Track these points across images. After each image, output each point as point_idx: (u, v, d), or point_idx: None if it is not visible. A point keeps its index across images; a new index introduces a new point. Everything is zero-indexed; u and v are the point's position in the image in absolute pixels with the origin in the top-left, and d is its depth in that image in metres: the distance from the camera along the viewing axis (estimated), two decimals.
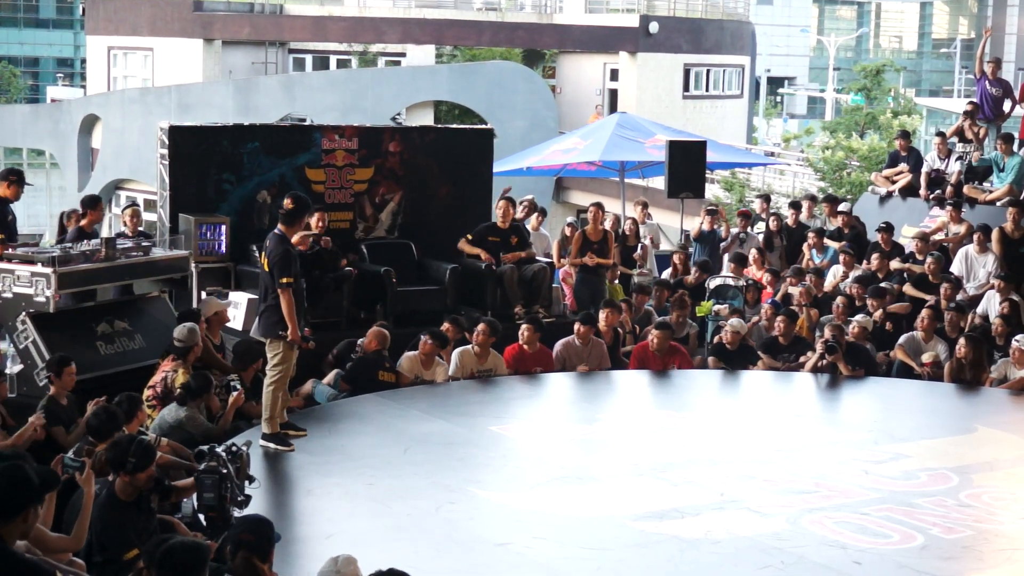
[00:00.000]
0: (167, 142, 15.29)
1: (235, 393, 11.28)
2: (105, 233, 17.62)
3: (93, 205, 14.82)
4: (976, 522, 9.91)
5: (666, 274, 18.16)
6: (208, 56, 39.97)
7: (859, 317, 15.38)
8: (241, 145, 15.63)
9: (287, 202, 11.29)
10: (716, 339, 15.17)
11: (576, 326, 14.38)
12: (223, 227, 15.01)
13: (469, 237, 15.90)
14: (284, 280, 10.91)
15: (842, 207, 19.59)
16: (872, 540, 9.45)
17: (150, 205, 23.89)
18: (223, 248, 14.97)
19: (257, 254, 12.89)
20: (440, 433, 11.77)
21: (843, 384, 14.24)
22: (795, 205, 20.28)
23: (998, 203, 18.18)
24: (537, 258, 16.39)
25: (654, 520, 9.68)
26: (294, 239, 11.71)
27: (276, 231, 11.19)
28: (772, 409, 13.46)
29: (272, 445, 10.85)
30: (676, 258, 18.22)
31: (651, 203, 21.27)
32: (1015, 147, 19.12)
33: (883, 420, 13.12)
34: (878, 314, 15.63)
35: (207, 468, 8.27)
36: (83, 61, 61.53)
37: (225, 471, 8.17)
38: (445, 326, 13.86)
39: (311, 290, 13.11)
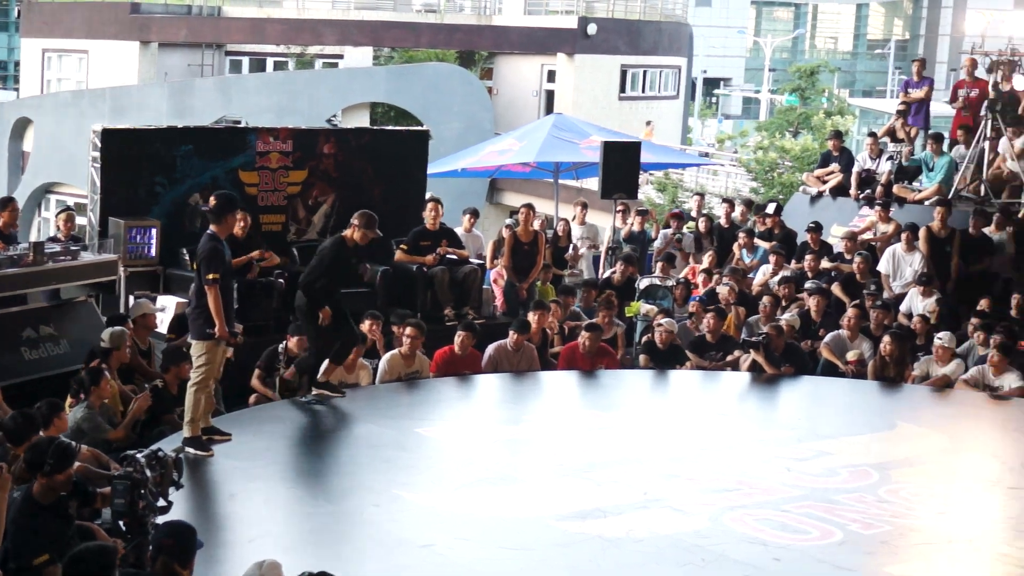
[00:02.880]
0: (99, 145, 15.17)
1: (138, 398, 11.21)
2: (34, 237, 17.49)
3: (4, 206, 14.60)
4: (894, 517, 10.03)
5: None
6: (144, 58, 39.69)
7: (787, 316, 15.51)
8: (174, 148, 15.55)
9: (211, 201, 11.31)
10: (646, 338, 15.22)
11: (511, 333, 14.35)
12: (153, 231, 14.92)
13: (404, 247, 15.88)
14: (211, 276, 10.79)
15: (770, 208, 19.71)
16: (792, 537, 9.53)
17: (81, 209, 23.71)
18: (152, 252, 14.88)
19: (188, 258, 12.81)
20: (365, 436, 11.77)
21: (769, 382, 14.34)
22: (728, 202, 20.41)
23: (927, 203, 18.36)
24: (470, 260, 16.41)
25: (577, 520, 9.72)
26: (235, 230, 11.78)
27: (208, 231, 11.14)
28: (699, 408, 13.55)
29: (191, 450, 10.73)
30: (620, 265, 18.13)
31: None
32: (945, 147, 19.30)
33: (808, 418, 13.25)
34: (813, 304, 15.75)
35: (120, 475, 8.21)
36: (17, 64, 60.89)
37: (139, 477, 8.11)
38: (365, 324, 13.74)
39: (242, 295, 13.09)
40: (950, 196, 18.54)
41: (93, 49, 40.20)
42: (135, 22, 39.69)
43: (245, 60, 41.79)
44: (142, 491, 8.27)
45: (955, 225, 17.43)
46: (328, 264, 12.32)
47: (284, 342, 13.13)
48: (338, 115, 34.15)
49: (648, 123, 41.64)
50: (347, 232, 12.40)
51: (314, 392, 12.48)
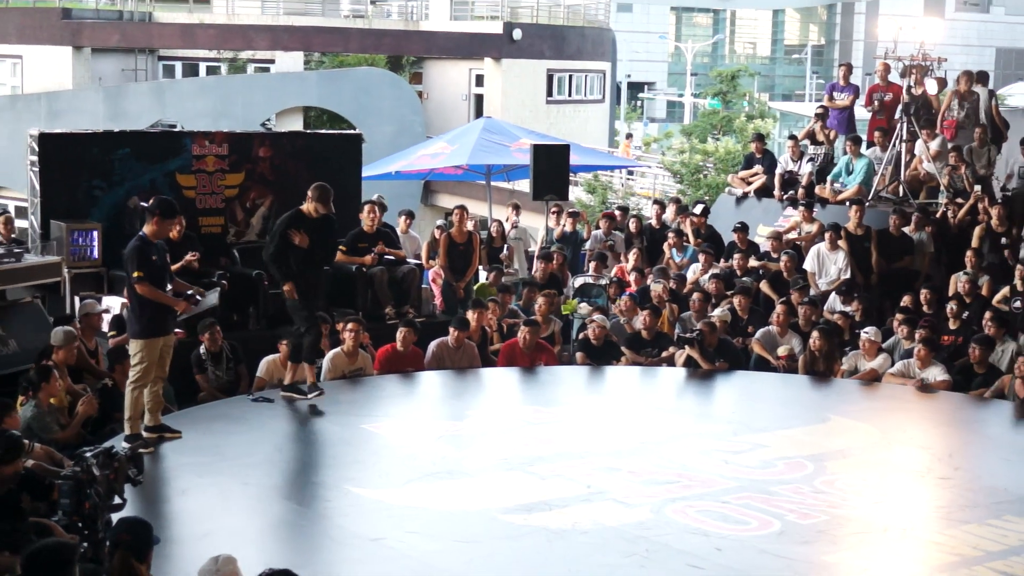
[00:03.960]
0: (37, 149, 15.08)
1: (83, 401, 11.11)
2: None
3: None
4: (830, 507, 10.11)
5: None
6: (78, 63, 39.22)
7: (717, 311, 15.63)
8: (112, 151, 15.47)
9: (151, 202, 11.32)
10: (582, 335, 15.28)
11: (451, 330, 14.37)
12: (95, 233, 14.83)
13: (343, 248, 15.83)
14: (135, 275, 10.72)
15: (697, 209, 19.84)
16: (732, 527, 9.59)
17: (21, 212, 23.44)
18: (95, 254, 14.78)
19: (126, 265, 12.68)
20: (313, 432, 11.73)
21: (704, 378, 14.44)
22: (659, 203, 20.54)
23: (847, 203, 18.55)
24: (407, 260, 16.41)
25: (523, 513, 9.73)
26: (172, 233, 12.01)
27: (140, 232, 11.05)
28: (637, 403, 13.60)
29: (128, 447, 10.58)
30: (557, 258, 18.11)
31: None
32: (863, 148, 19.52)
33: (742, 412, 13.32)
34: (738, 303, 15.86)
35: (66, 474, 8.12)
36: None
37: (86, 476, 8.00)
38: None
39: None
40: (870, 196, 18.76)
41: (27, 54, 39.67)
42: (67, 28, 39.20)
43: (178, 65, 41.44)
44: (88, 491, 8.18)
45: (876, 225, 17.65)
46: (280, 232, 12.32)
47: (200, 344, 13.15)
48: (272, 119, 33.97)
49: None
50: (304, 205, 12.43)
51: (283, 395, 12.44)
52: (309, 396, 12.39)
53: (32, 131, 15.47)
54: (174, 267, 13.92)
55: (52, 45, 39.16)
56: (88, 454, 8.47)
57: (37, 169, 15.11)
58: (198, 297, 11.34)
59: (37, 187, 15.11)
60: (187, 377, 12.94)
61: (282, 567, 6.30)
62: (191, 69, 41.70)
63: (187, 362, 12.97)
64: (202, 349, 13.13)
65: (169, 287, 11.16)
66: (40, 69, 39.31)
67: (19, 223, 17.02)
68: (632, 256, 18.07)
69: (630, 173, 37.97)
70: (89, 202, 15.27)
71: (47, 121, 33.37)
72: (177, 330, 13.07)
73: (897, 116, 19.37)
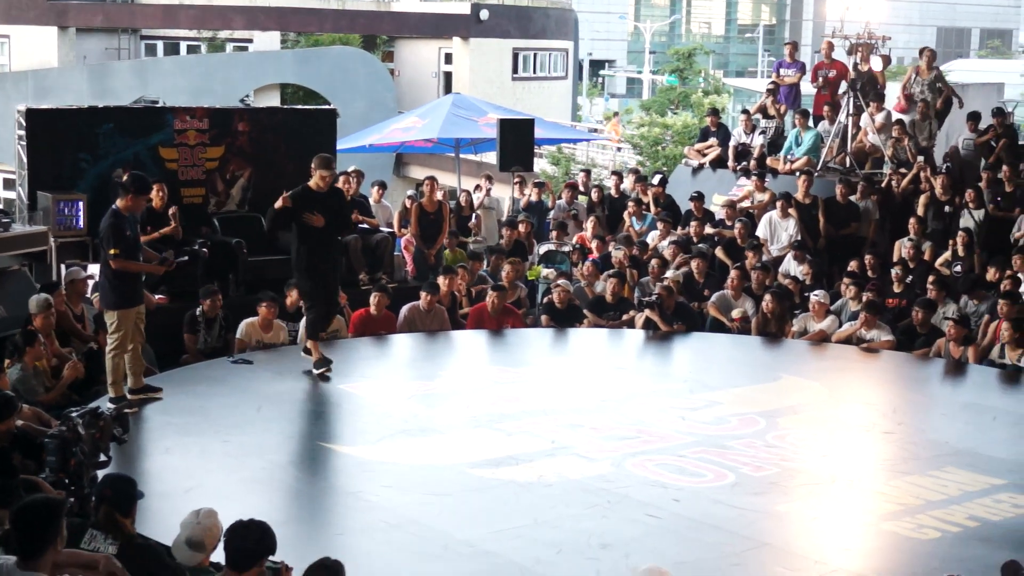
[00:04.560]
0: (24, 124, 14.99)
1: (70, 363, 11.03)
2: None
3: None
4: (782, 460, 10.15)
5: None
6: (63, 43, 38.87)
7: (669, 273, 15.60)
8: (96, 126, 15.37)
9: (124, 178, 11.14)
10: (546, 299, 15.26)
11: (421, 294, 14.33)
12: (80, 203, 14.71)
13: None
14: (112, 252, 10.61)
15: (656, 179, 19.84)
16: (689, 479, 9.61)
17: (9, 184, 23.26)
18: (81, 223, 14.66)
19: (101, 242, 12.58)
20: (291, 392, 11.66)
21: (662, 339, 14.45)
22: (617, 174, 20.53)
23: (796, 173, 18.57)
24: (380, 228, 16.34)
25: (491, 467, 9.73)
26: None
27: (113, 206, 10.89)
28: (598, 363, 13.58)
29: (113, 407, 10.53)
30: (523, 227, 18.05)
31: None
32: (810, 122, 19.53)
33: (697, 371, 13.34)
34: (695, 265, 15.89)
35: (53, 433, 8.07)
36: None
37: (71, 435, 7.95)
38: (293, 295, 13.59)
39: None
40: (818, 167, 18.78)
41: (14, 34, 39.29)
42: (53, 8, 38.81)
43: (160, 44, 41.16)
44: (74, 449, 8.14)
45: (824, 194, 17.69)
46: (272, 213, 11.83)
47: (199, 306, 13.04)
48: (250, 95, 33.71)
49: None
50: (311, 181, 11.89)
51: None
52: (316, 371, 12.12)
53: (20, 107, 15.40)
54: (161, 232, 13.94)
55: (38, 25, 38.82)
56: (74, 414, 8.44)
57: (25, 143, 15.00)
58: (171, 259, 11.24)
59: (24, 160, 15.00)
60: (170, 340, 12.85)
61: (260, 519, 6.26)
62: (172, 48, 41.45)
63: (170, 326, 12.86)
64: (199, 311, 13.01)
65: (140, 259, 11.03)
66: (27, 48, 38.97)
67: (6, 194, 16.92)
68: (590, 224, 18.04)
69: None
70: (75, 174, 15.16)
71: (34, 98, 33.02)
72: (159, 296, 13.04)
73: (840, 91, 19.45)
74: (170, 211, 14.31)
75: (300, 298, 12.96)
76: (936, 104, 19.09)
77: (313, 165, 11.91)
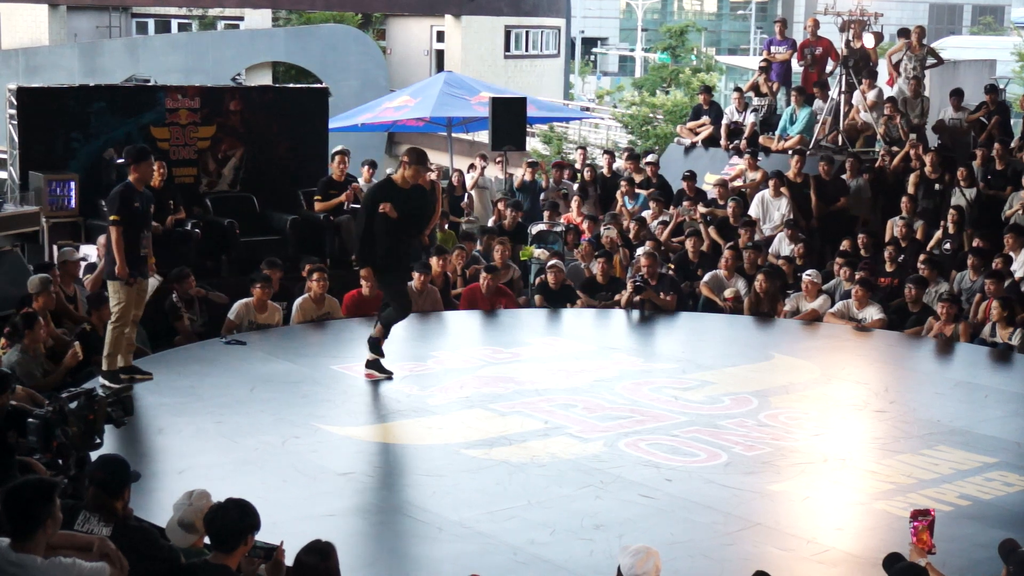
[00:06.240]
0: (16, 103, 14.96)
1: (70, 351, 11.01)
2: None
3: None
4: (774, 440, 10.17)
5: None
6: (54, 21, 38.68)
7: (641, 249, 15.53)
8: (88, 105, 15.37)
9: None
10: (539, 279, 15.25)
11: (415, 275, 14.25)
12: (72, 183, 14.71)
13: (318, 197, 15.73)
14: (112, 217, 10.53)
15: (650, 158, 19.80)
16: (682, 459, 9.63)
17: (0, 164, 23.18)
18: (72, 203, 14.67)
19: (105, 209, 12.52)
20: (284, 373, 11.66)
21: (654, 319, 14.45)
22: (610, 153, 20.52)
23: (789, 152, 18.57)
24: None
25: (484, 447, 9.75)
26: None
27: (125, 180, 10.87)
28: (591, 344, 13.59)
29: (106, 382, 10.50)
30: (501, 205, 18.10)
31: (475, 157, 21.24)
32: (805, 100, 19.52)
33: (690, 351, 13.34)
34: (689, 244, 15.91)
35: (35, 414, 8.05)
36: None
37: (55, 417, 7.91)
38: (266, 271, 13.45)
39: (159, 242, 12.86)
40: (811, 145, 18.79)
41: (4, 12, 39.11)
42: None
43: (151, 22, 40.97)
44: (56, 430, 8.10)
45: (814, 172, 17.69)
46: (367, 206, 11.38)
47: (173, 292, 12.97)
48: (242, 74, 33.69)
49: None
50: (396, 173, 11.49)
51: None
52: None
53: (11, 86, 15.37)
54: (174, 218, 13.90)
55: (29, 3, 38.62)
56: (63, 395, 8.41)
57: (16, 122, 14.97)
58: (142, 279, 10.97)
59: (16, 139, 14.97)
60: (163, 320, 12.84)
61: (253, 501, 6.25)
62: (163, 26, 41.26)
63: (162, 307, 12.87)
64: (174, 296, 12.97)
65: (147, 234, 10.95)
66: (17, 26, 38.78)
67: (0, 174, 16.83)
68: (574, 203, 18.02)
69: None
70: (66, 154, 15.16)
71: (25, 76, 32.92)
72: (157, 275, 12.92)
73: (828, 69, 19.46)
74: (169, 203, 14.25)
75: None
76: (910, 84, 19.10)
77: (405, 159, 11.28)
